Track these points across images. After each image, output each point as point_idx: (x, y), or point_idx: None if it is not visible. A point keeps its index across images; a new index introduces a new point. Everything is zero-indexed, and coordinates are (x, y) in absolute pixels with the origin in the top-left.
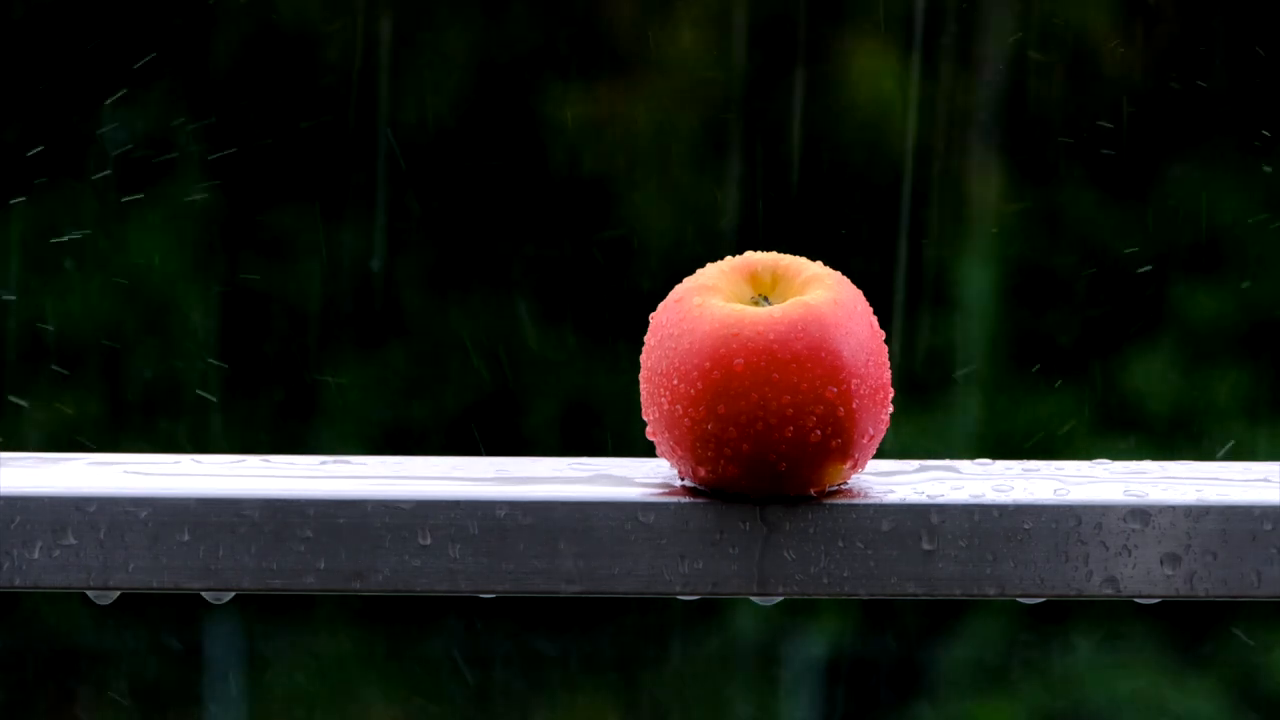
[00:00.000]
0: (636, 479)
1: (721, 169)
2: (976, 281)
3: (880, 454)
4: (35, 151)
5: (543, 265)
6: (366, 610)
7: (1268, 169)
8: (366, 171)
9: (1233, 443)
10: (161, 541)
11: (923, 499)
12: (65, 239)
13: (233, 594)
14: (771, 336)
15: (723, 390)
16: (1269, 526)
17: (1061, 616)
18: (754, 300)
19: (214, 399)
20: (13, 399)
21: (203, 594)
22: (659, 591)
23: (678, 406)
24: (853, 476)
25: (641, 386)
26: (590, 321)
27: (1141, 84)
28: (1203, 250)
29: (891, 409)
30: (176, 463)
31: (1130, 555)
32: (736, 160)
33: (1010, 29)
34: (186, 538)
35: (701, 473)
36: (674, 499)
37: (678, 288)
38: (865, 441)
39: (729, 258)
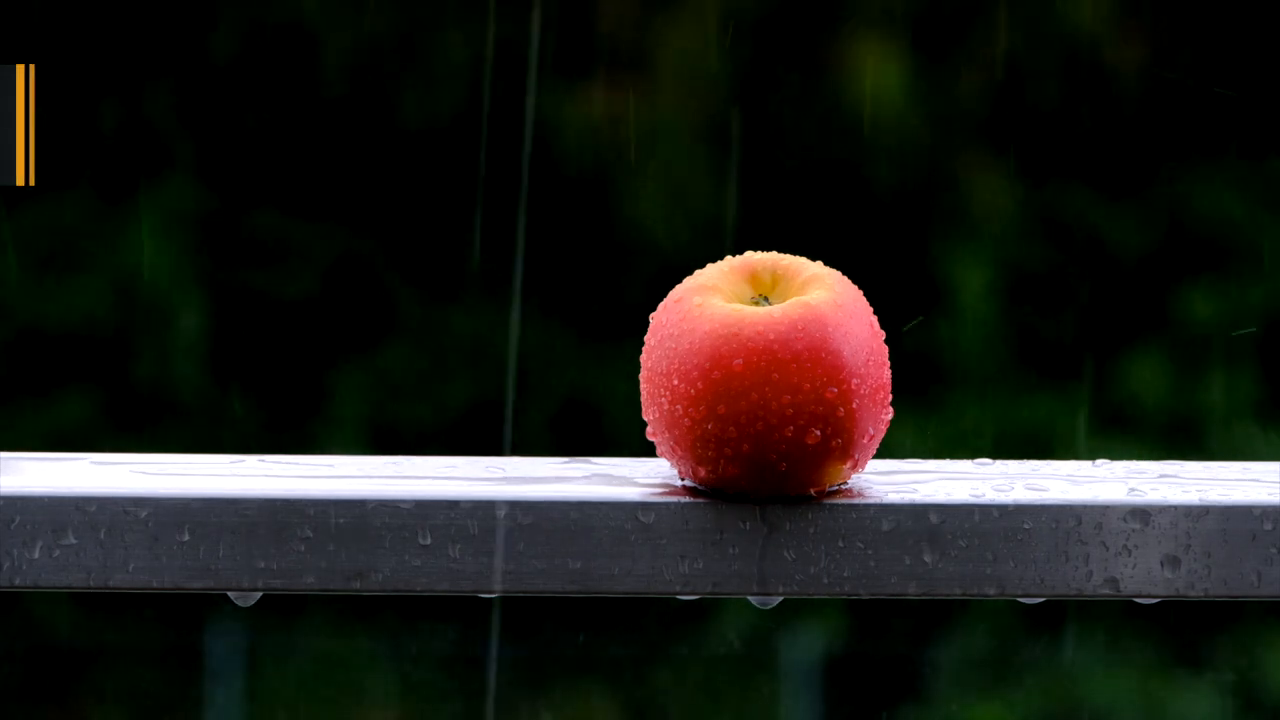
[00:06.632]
0: (636, 479)
1: (721, 168)
2: (976, 281)
3: (880, 454)
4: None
5: (542, 264)
6: (366, 610)
7: (1268, 169)
8: (366, 170)
9: (1232, 443)
10: (161, 541)
11: (923, 499)
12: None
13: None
14: (771, 336)
15: (723, 390)
16: (1269, 526)
17: (1061, 616)
18: (754, 300)
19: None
20: (12, 399)
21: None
22: (659, 591)
23: (678, 406)
24: (853, 476)
25: (641, 387)
26: (590, 321)
27: (1141, 83)
28: (1202, 250)
29: (892, 410)
30: (176, 463)
31: (1130, 555)
32: (736, 159)
33: (1010, 28)
34: (186, 538)
35: (701, 473)
36: (674, 499)
37: (678, 288)
38: (865, 441)
39: (729, 258)
